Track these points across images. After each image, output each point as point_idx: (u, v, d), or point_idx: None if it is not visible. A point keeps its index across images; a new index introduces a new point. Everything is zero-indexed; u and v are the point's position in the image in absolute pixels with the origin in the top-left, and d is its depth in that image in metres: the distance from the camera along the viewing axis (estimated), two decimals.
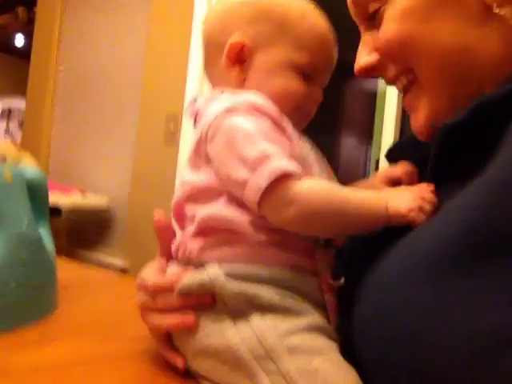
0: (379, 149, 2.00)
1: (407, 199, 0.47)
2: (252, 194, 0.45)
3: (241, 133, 0.47)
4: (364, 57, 0.55)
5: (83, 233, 2.85)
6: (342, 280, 0.51)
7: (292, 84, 0.54)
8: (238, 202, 0.47)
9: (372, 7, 0.53)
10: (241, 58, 0.54)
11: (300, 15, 0.55)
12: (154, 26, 2.58)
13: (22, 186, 0.67)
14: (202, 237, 0.49)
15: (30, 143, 3.11)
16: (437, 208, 0.46)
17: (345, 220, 0.47)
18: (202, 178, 0.50)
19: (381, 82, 2.03)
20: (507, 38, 0.47)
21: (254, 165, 0.45)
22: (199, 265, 0.48)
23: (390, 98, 1.95)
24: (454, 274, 0.37)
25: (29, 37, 3.74)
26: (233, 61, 0.54)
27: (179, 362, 0.50)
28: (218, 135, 0.48)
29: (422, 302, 0.39)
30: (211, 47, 0.58)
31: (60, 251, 0.78)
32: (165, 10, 2.55)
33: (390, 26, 0.51)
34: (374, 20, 0.54)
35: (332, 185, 0.48)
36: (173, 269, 0.52)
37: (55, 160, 3.08)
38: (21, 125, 3.92)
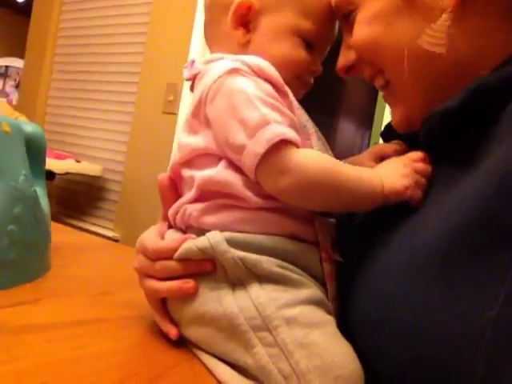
0: (379, 133, 1.98)
1: (401, 175, 0.47)
2: (249, 160, 0.44)
3: (242, 96, 0.45)
4: (343, 57, 0.57)
5: (75, 201, 2.82)
6: (338, 255, 0.50)
7: (296, 51, 0.54)
8: (237, 167, 0.46)
9: (346, 10, 0.54)
10: (246, 20, 0.53)
11: None
12: None
13: (20, 139, 0.65)
14: (202, 201, 0.48)
15: (25, 106, 3.06)
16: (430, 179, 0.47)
17: (341, 194, 0.46)
18: (201, 141, 0.49)
19: None
20: (470, 38, 0.47)
21: (253, 130, 0.44)
22: (199, 230, 0.48)
23: None
24: (455, 266, 0.37)
25: None
26: (238, 22, 0.53)
27: (173, 332, 0.49)
28: (218, 97, 0.46)
29: (424, 294, 0.39)
30: (216, 7, 0.56)
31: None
32: None
33: (359, 30, 0.52)
34: (348, 23, 0.55)
35: (330, 158, 0.47)
36: (173, 234, 0.51)
37: (50, 125, 3.04)
38: (17, 85, 3.85)
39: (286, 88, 0.49)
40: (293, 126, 0.46)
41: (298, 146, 0.45)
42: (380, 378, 0.43)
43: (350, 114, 3.99)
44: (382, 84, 0.54)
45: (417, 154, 0.49)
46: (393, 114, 0.55)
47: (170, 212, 0.52)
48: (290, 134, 0.44)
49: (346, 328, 0.46)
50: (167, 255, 0.49)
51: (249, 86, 0.46)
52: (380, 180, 0.46)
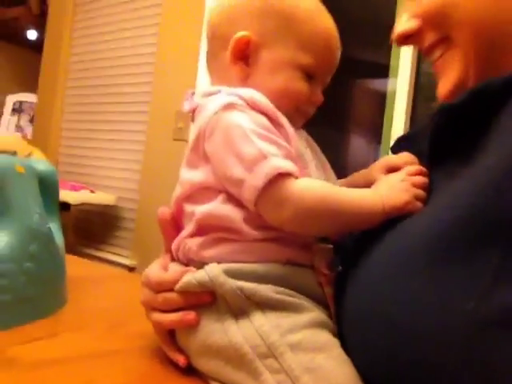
0: (388, 149, 1.99)
1: (400, 191, 0.48)
2: (249, 194, 0.45)
3: (239, 130, 0.47)
4: (403, 23, 0.55)
5: (91, 231, 2.85)
6: (340, 268, 0.51)
7: (295, 84, 0.54)
8: (236, 201, 0.48)
9: None
10: (245, 54, 0.54)
11: (308, 14, 0.54)
12: (165, 22, 2.59)
13: (33, 179, 0.68)
14: (201, 235, 0.49)
15: (39, 139, 3.12)
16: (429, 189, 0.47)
17: (340, 220, 0.47)
18: (201, 176, 0.50)
19: (391, 82, 2.02)
20: None
21: (251, 164, 0.45)
22: (199, 263, 0.49)
23: (400, 98, 1.95)
24: (440, 260, 0.38)
25: (41, 30, 3.75)
26: (237, 56, 0.54)
27: (181, 360, 0.50)
28: (215, 132, 0.48)
29: (407, 287, 0.39)
30: (216, 40, 0.57)
31: (67, 249, 0.79)
32: (176, 5, 2.55)
33: None
34: None
35: (328, 185, 0.49)
36: (175, 267, 0.52)
37: (64, 157, 3.09)
38: (31, 120, 3.94)
39: (281, 119, 0.50)
40: (290, 156, 0.47)
41: (296, 177, 0.46)
42: (361, 372, 0.43)
43: (360, 129, 3.99)
44: (439, 55, 0.53)
45: (414, 168, 0.50)
46: (444, 82, 0.53)
47: (173, 247, 0.53)
48: (288, 166, 0.45)
49: (339, 326, 0.47)
50: (169, 287, 0.50)
51: (245, 121, 0.47)
52: (380, 198, 0.47)
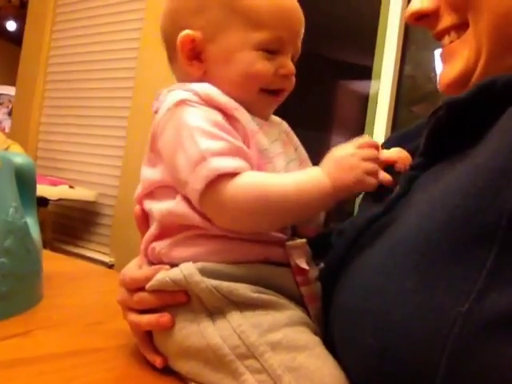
0: None
1: (349, 168, 0.45)
2: (192, 196, 0.45)
3: (185, 130, 0.46)
4: (421, 1, 0.52)
5: (69, 227, 2.81)
6: (322, 265, 0.51)
7: (252, 66, 0.51)
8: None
9: None
10: (195, 52, 0.52)
11: None
12: (149, 21, 2.56)
13: (9, 172, 0.66)
14: (167, 237, 0.49)
15: (18, 133, 3.07)
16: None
17: (286, 210, 0.46)
18: (159, 175, 0.50)
19: (373, 84, 2.04)
20: None
21: (193, 166, 0.45)
22: (171, 265, 0.48)
23: (382, 100, 1.96)
24: (432, 261, 0.37)
25: (21, 21, 3.68)
26: (188, 56, 0.52)
27: (158, 361, 0.49)
28: (165, 131, 0.48)
29: (398, 288, 0.39)
30: (167, 44, 0.56)
31: (44, 246, 0.77)
32: (161, 5, 2.52)
33: None
34: None
35: (268, 176, 0.47)
36: (147, 265, 0.51)
37: (43, 152, 3.04)
38: (9, 113, 3.86)
39: (238, 113, 0.49)
40: (237, 152, 0.46)
41: (235, 175, 0.45)
42: (349, 371, 0.43)
43: (342, 130, 4.01)
44: (452, 39, 0.51)
45: (363, 140, 0.48)
46: (449, 68, 0.52)
47: (142, 247, 0.52)
48: (229, 165, 0.45)
49: (327, 323, 0.46)
50: (141, 285, 0.49)
51: (193, 119, 0.46)
52: (326, 178, 0.45)
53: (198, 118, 0.47)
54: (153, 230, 0.50)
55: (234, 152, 0.46)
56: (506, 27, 0.47)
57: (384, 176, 0.49)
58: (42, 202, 2.32)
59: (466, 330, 0.34)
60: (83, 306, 0.71)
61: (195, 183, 0.44)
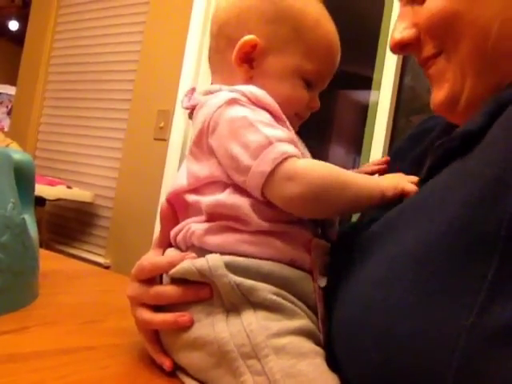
0: (368, 160, 2.01)
1: (393, 180, 0.50)
2: (255, 180, 0.45)
3: (242, 121, 0.47)
4: (401, 31, 0.54)
5: (66, 228, 2.80)
6: (325, 281, 0.50)
7: (297, 92, 0.55)
8: (243, 191, 0.47)
9: None
10: (251, 57, 0.54)
11: (315, 21, 0.55)
12: (151, 21, 2.57)
13: (8, 168, 0.66)
14: (207, 222, 0.48)
15: (17, 132, 3.06)
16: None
17: (346, 195, 0.47)
18: (206, 171, 0.49)
19: (373, 94, 2.05)
20: None
21: (257, 151, 0.45)
22: (199, 250, 0.48)
23: (382, 111, 1.97)
24: (433, 274, 0.37)
25: (23, 21, 3.68)
26: (242, 59, 0.54)
27: (168, 364, 0.48)
28: (219, 126, 0.48)
29: (400, 301, 0.38)
30: (222, 39, 0.56)
31: (41, 245, 0.77)
32: (164, 4, 2.53)
33: (438, 2, 0.49)
34: None
35: (332, 165, 0.49)
36: (172, 251, 0.51)
37: (42, 152, 3.03)
38: (9, 112, 3.86)
39: (284, 116, 0.51)
40: (293, 142, 0.48)
41: (301, 158, 0.47)
42: (351, 382, 0.42)
43: (341, 139, 4.03)
44: (438, 68, 0.52)
45: (413, 177, 0.51)
46: (438, 91, 0.53)
47: (173, 231, 0.52)
48: (294, 150, 0.46)
49: (328, 335, 0.46)
50: (164, 270, 0.49)
51: (248, 113, 0.48)
52: (377, 182, 0.50)
53: (252, 113, 0.48)
54: (197, 217, 0.50)
55: (293, 142, 0.47)
56: (487, 51, 0.47)
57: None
58: (40, 201, 2.31)
59: (472, 344, 0.33)
60: (78, 305, 0.71)
61: (262, 166, 0.45)
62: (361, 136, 2.10)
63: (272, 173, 0.45)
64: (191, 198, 0.50)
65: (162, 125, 2.41)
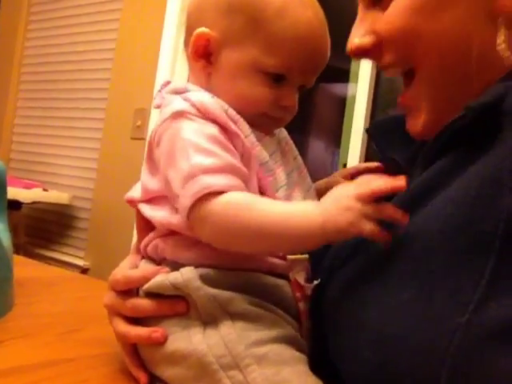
0: (347, 153, 2.01)
1: (345, 208, 0.40)
2: (181, 211, 0.44)
3: (180, 143, 0.45)
4: (359, 37, 0.51)
5: (43, 231, 2.76)
6: (315, 283, 0.50)
7: (253, 90, 0.49)
8: None
9: None
10: (207, 51, 0.50)
11: (278, 11, 0.48)
12: (125, 18, 2.53)
13: None
14: (174, 236, 0.47)
15: None
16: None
17: (268, 237, 0.43)
18: (156, 184, 0.49)
19: (351, 87, 2.05)
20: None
21: (184, 181, 0.44)
22: (173, 263, 0.47)
23: (359, 103, 1.97)
24: (429, 272, 0.37)
25: None
26: (198, 53, 0.50)
27: (143, 380, 0.47)
28: (162, 143, 0.47)
29: (396, 298, 0.38)
30: (187, 30, 0.54)
31: (17, 250, 0.75)
32: (137, 3, 2.50)
33: (398, 15, 0.47)
34: (380, 0, 0.49)
35: (256, 200, 0.44)
36: (146, 265, 0.50)
37: (16, 154, 2.98)
38: None
39: (235, 128, 0.47)
40: (231, 170, 0.44)
41: (224, 192, 0.43)
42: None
43: (320, 132, 4.04)
44: (402, 72, 0.50)
45: (368, 178, 0.42)
46: (414, 120, 0.50)
47: (143, 243, 0.51)
48: (218, 182, 0.43)
49: (324, 337, 0.46)
50: (138, 284, 0.48)
51: (188, 133, 0.45)
52: (319, 216, 0.41)
53: (193, 132, 0.45)
54: (158, 232, 0.49)
55: (225, 169, 0.44)
56: (450, 65, 0.46)
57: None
58: (16, 205, 2.27)
59: (466, 342, 0.33)
60: (56, 314, 0.69)
61: (184, 199, 0.43)
62: (340, 129, 2.11)
63: (192, 208, 0.43)
64: (145, 209, 0.50)
65: (139, 123, 2.38)
